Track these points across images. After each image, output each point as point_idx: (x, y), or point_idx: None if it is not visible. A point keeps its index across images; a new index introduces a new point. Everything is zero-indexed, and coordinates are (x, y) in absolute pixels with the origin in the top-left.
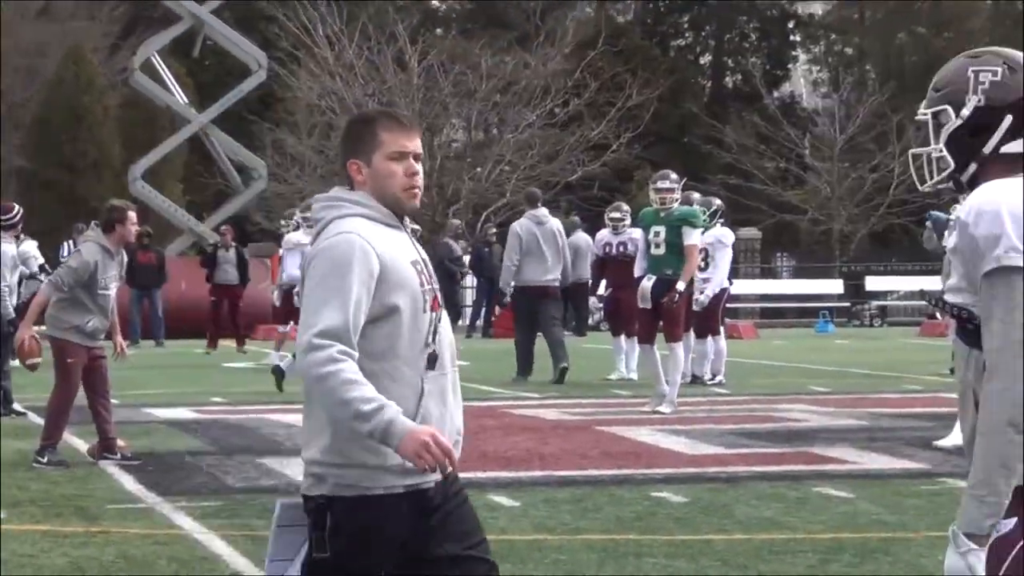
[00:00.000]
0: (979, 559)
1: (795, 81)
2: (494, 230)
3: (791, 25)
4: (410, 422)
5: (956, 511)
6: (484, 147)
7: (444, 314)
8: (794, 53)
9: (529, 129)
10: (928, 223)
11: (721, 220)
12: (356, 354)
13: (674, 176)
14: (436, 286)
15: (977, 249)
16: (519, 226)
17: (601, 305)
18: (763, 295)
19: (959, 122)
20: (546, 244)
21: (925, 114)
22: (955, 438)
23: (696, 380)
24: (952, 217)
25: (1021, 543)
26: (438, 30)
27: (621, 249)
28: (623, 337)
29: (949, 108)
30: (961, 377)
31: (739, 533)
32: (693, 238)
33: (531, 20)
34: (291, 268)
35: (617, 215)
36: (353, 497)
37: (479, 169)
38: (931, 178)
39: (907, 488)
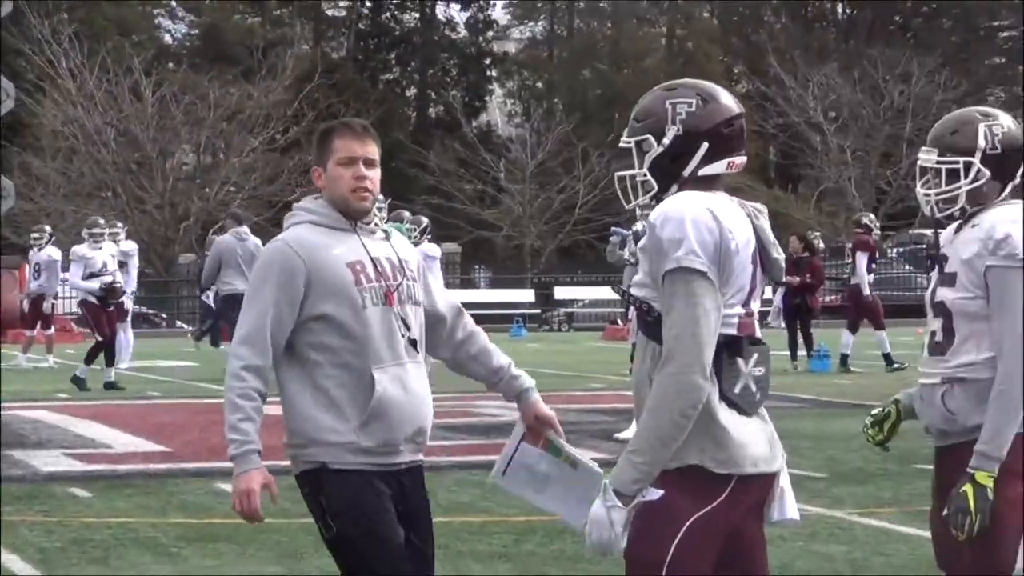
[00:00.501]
0: (620, 516)
1: (491, 112)
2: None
3: (488, 62)
4: (256, 465)
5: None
6: (212, 169)
7: (415, 307)
8: (490, 87)
9: (252, 153)
10: (612, 238)
11: (428, 236)
12: (262, 362)
13: (380, 196)
14: (400, 281)
15: (661, 249)
16: (222, 241)
17: None
18: (463, 303)
19: (660, 150)
20: (244, 259)
21: (629, 142)
22: (633, 431)
23: None
24: (629, 233)
25: (687, 524)
26: (170, 64)
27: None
28: None
29: (651, 137)
30: (638, 368)
31: (440, 516)
32: None
33: (254, 55)
34: (43, 279)
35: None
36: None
37: (207, 189)
38: (635, 198)
39: None
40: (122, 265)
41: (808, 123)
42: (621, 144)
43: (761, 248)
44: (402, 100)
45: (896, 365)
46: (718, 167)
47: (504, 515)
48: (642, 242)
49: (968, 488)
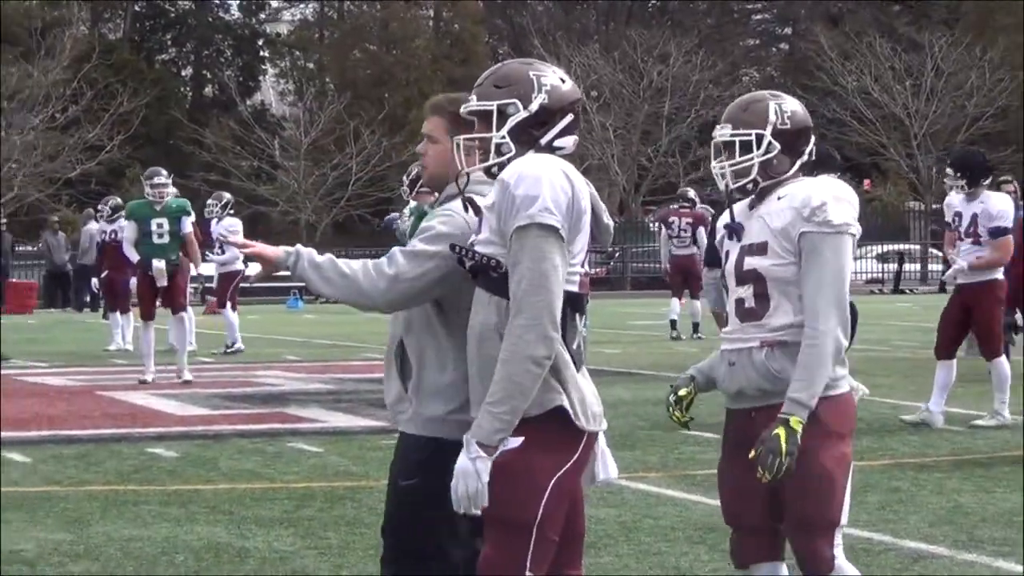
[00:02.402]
0: (485, 466)
1: (265, 91)
2: (4, 220)
3: (260, 43)
4: None
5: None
6: None
7: None
8: (264, 67)
9: (33, 132)
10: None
11: (230, 211)
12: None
13: (165, 172)
14: None
15: (514, 206)
16: None
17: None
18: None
19: (527, 115)
20: None
21: (489, 106)
22: None
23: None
24: (398, 216)
25: (551, 483)
26: None
27: (114, 236)
28: (118, 312)
29: (518, 102)
30: (480, 322)
31: (224, 483)
32: (189, 226)
33: (33, 36)
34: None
35: (110, 206)
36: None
37: None
38: (488, 160)
39: (369, 442)
40: None
41: None
42: (474, 107)
43: (593, 213)
44: (178, 80)
45: (699, 335)
46: (568, 141)
47: (285, 482)
48: (489, 200)
49: (781, 431)
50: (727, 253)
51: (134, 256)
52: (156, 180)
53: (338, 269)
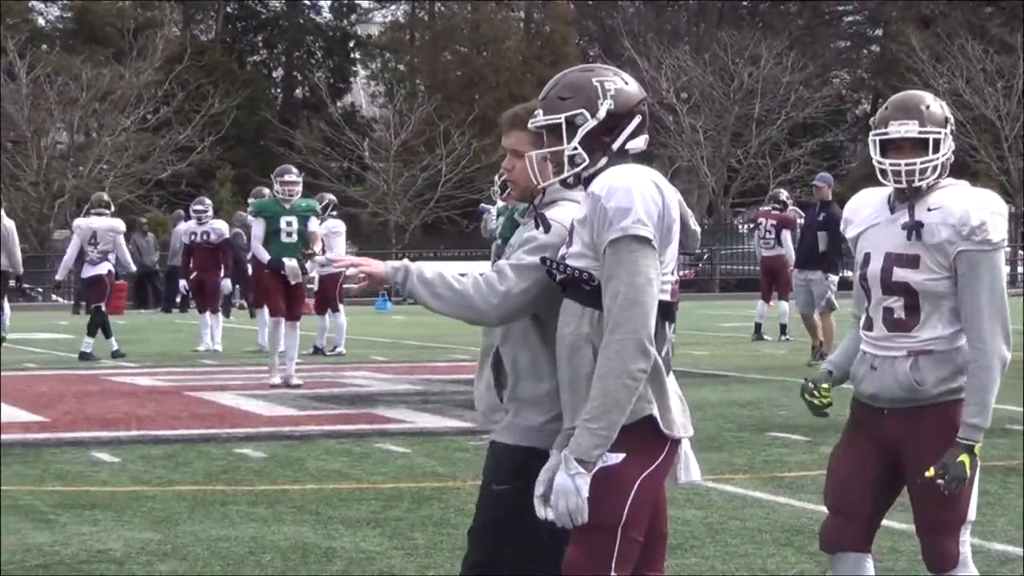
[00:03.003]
0: (584, 482)
1: (356, 93)
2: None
3: (351, 44)
4: None
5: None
6: (85, 148)
7: None
8: (354, 68)
9: (124, 133)
10: (484, 215)
11: (333, 212)
12: None
13: (295, 171)
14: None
15: (606, 219)
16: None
17: (189, 286)
18: None
19: (595, 123)
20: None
21: (558, 119)
22: None
23: (318, 352)
24: (491, 208)
25: (635, 486)
26: (44, 46)
27: (205, 237)
28: (208, 313)
29: (585, 112)
30: (571, 332)
31: (311, 483)
32: (315, 225)
33: (125, 37)
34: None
35: (200, 207)
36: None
37: (81, 167)
38: (563, 172)
39: (456, 443)
40: None
41: (661, 104)
42: (542, 123)
43: (680, 220)
44: (269, 81)
45: (786, 337)
46: (639, 143)
47: (372, 482)
48: (580, 213)
49: (965, 459)
50: (867, 256)
51: (264, 255)
52: (287, 177)
53: (448, 284)
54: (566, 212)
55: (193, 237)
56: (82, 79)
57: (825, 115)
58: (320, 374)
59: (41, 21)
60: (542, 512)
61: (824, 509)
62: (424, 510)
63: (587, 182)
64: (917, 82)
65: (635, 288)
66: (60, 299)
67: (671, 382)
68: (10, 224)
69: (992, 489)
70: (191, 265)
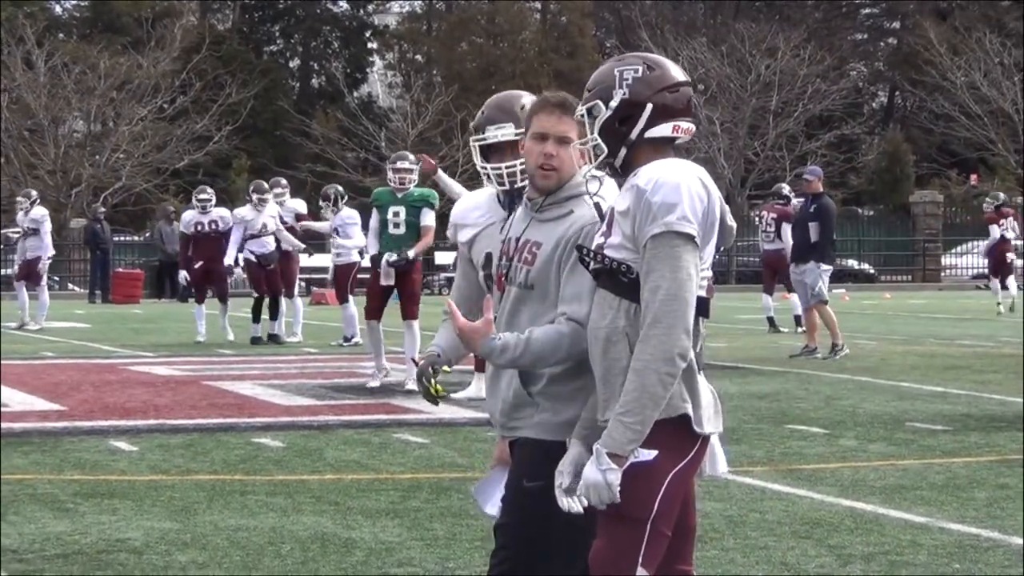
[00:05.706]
0: (616, 477)
1: (373, 83)
2: (103, 209)
3: (368, 34)
4: None
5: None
6: (103, 137)
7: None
8: (371, 59)
9: (142, 122)
10: None
11: (344, 200)
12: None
13: (412, 157)
14: (516, 266)
15: (650, 213)
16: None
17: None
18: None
19: (608, 113)
20: None
21: (582, 112)
22: (471, 390)
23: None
24: None
25: (670, 476)
26: (61, 34)
27: (213, 226)
28: (218, 302)
29: (600, 102)
30: (606, 324)
31: (330, 474)
32: (430, 219)
33: (143, 27)
34: None
35: (204, 196)
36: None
37: (98, 156)
38: (589, 164)
39: (475, 434)
40: (34, 232)
41: None
42: (578, 113)
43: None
44: (286, 71)
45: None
46: (663, 130)
47: (391, 472)
48: (622, 205)
49: None
50: (487, 256)
51: (374, 247)
52: (400, 164)
53: (547, 335)
54: (585, 208)
55: (200, 227)
56: (99, 68)
57: (842, 107)
58: (338, 364)
59: (59, 10)
60: (565, 504)
61: (843, 502)
62: (443, 501)
63: (620, 171)
64: (934, 75)
65: (677, 283)
66: (76, 288)
67: (702, 379)
68: (43, 212)
69: (1011, 483)
70: (194, 254)
